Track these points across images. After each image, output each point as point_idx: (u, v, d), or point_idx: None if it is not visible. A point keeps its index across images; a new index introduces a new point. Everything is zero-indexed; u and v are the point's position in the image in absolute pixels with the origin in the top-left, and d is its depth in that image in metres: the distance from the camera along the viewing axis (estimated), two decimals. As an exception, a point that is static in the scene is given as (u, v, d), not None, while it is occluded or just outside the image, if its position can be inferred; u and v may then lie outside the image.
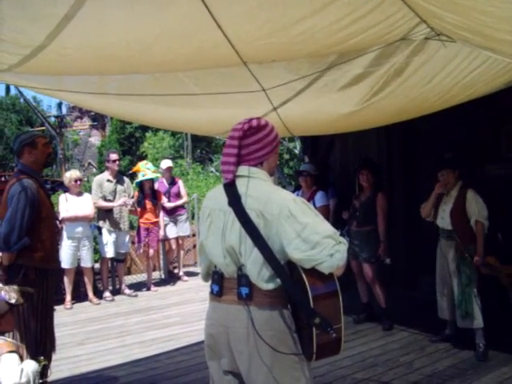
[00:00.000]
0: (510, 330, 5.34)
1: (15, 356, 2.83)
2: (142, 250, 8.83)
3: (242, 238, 2.53)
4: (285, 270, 2.50)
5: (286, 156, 24.62)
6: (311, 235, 2.41)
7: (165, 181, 9.24)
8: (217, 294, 2.67)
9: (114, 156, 8.37)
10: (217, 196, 2.72)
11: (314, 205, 6.65)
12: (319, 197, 6.78)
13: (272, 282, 2.50)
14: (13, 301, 3.11)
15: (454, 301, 5.37)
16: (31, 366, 2.84)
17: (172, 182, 9.25)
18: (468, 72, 3.79)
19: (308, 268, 2.46)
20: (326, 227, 2.47)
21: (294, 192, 7.07)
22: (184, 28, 3.20)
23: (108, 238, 8.10)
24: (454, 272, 5.37)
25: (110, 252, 8.13)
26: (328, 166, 8.23)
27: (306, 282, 2.45)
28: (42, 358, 3.07)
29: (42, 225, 4.09)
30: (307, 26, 3.18)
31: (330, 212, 6.94)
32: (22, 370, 2.75)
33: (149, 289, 8.68)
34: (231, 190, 2.62)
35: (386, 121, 5.57)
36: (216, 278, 2.68)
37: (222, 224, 2.62)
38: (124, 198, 8.16)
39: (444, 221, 5.51)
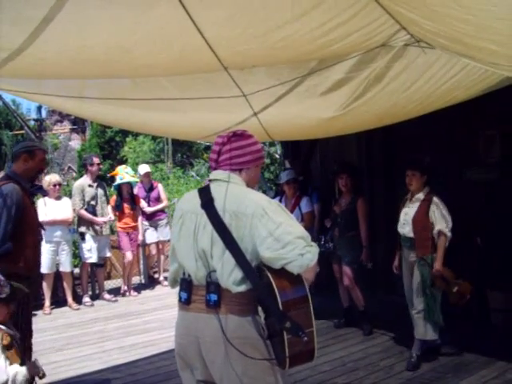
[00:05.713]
0: (489, 334, 5.38)
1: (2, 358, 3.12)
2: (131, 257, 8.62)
3: (214, 240, 2.52)
4: (255, 273, 2.48)
5: (267, 160, 24.59)
6: (283, 234, 2.40)
7: (143, 186, 9.09)
8: (185, 302, 2.65)
9: (96, 160, 8.33)
10: (191, 199, 2.73)
11: (300, 211, 6.65)
12: (305, 203, 6.74)
13: (243, 284, 2.48)
14: (3, 295, 3.27)
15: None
16: (21, 372, 3.14)
17: (151, 187, 9.11)
18: (447, 78, 3.83)
19: (277, 268, 2.43)
20: (299, 229, 2.47)
21: (274, 197, 7.07)
22: (164, 33, 3.20)
23: (92, 244, 8.02)
24: (419, 284, 4.98)
25: (93, 257, 8.05)
26: (310, 170, 8.24)
27: (275, 287, 2.41)
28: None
29: (24, 231, 4.03)
30: (288, 32, 3.19)
31: (316, 217, 6.94)
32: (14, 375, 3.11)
33: (126, 294, 8.59)
34: (205, 192, 2.64)
35: (367, 126, 5.59)
36: (184, 286, 2.66)
37: (194, 226, 2.62)
38: (107, 218, 8.15)
39: (405, 227, 5.15)
